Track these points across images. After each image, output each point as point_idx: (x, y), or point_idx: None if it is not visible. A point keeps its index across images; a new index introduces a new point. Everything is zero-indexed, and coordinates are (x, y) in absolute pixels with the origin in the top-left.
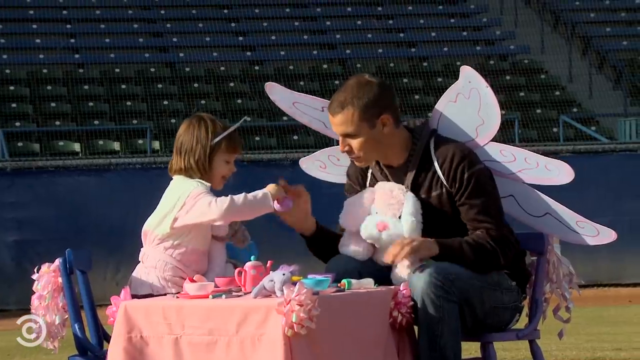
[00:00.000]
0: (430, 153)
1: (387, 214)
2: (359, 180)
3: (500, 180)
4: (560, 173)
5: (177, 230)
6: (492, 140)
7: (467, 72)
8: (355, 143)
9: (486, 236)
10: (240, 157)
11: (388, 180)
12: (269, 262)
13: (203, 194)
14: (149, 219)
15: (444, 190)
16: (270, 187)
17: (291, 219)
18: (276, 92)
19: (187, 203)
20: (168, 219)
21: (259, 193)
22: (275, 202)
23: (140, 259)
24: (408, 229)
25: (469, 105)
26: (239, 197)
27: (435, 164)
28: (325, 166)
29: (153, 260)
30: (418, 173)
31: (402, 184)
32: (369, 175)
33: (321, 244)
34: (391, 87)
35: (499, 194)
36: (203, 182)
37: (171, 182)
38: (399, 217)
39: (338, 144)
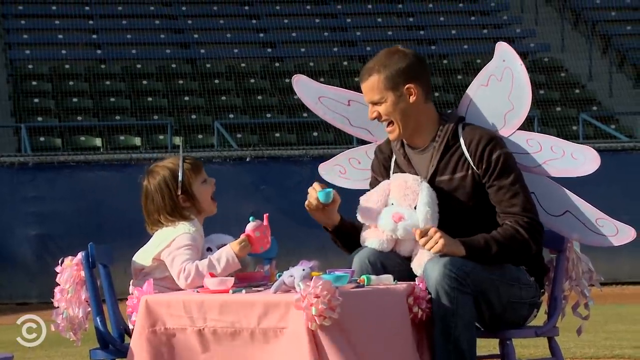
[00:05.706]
0: (458, 134)
1: (402, 205)
2: (382, 172)
3: (524, 176)
4: (586, 161)
5: (160, 263)
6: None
7: (503, 49)
8: (382, 108)
9: (515, 225)
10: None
11: (410, 164)
12: (265, 215)
13: (182, 250)
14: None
15: (469, 172)
16: (234, 246)
17: (320, 217)
18: (302, 85)
19: (171, 246)
20: (150, 255)
21: (222, 256)
22: (251, 247)
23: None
24: (423, 219)
25: (500, 89)
26: (204, 267)
27: (463, 145)
28: (345, 171)
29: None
30: (444, 154)
31: (425, 165)
32: (392, 166)
33: (345, 237)
34: (424, 60)
35: (524, 179)
36: (188, 224)
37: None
38: (415, 208)
39: (359, 144)
